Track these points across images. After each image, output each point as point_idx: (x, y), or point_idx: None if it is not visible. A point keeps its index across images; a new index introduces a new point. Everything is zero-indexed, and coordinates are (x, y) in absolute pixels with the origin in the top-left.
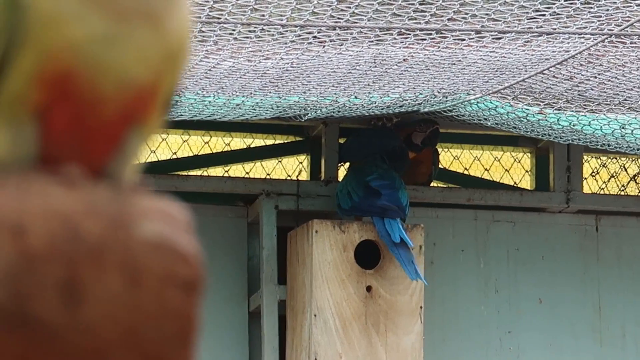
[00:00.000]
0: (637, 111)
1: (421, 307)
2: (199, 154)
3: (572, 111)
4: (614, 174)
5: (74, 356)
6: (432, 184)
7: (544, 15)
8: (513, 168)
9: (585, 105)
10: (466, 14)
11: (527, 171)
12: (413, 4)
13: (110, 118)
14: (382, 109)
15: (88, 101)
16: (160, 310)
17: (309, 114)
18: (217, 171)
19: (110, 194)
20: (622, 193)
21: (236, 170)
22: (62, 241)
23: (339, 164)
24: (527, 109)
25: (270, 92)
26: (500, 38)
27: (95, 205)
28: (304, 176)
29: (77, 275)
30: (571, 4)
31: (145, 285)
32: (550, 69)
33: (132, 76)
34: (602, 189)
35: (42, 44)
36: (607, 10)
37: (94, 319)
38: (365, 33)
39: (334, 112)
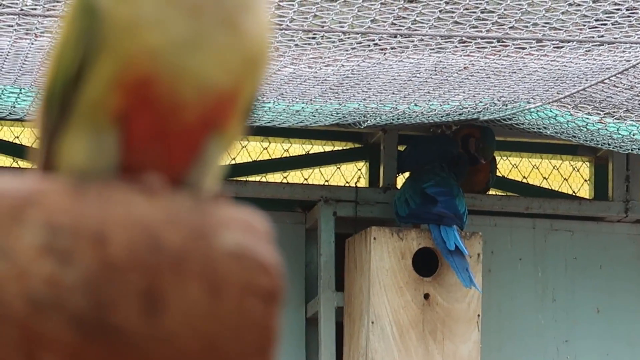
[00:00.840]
0: None
1: (479, 315)
2: (258, 159)
3: (632, 120)
4: None
5: None
6: (490, 192)
7: (605, 24)
8: (572, 177)
9: None
10: (527, 22)
11: (585, 180)
12: (475, 12)
13: (190, 124)
14: (441, 116)
15: (168, 107)
16: (240, 321)
17: (369, 121)
18: (275, 177)
19: (191, 203)
20: None
21: (295, 176)
22: (143, 251)
23: (398, 173)
24: (587, 118)
25: (330, 99)
26: (561, 47)
27: (176, 214)
28: (363, 183)
29: (158, 285)
30: (633, 13)
31: (225, 295)
32: (611, 78)
33: (212, 82)
34: None
35: (120, 50)
36: None
37: (174, 329)
38: (426, 41)
39: (393, 120)
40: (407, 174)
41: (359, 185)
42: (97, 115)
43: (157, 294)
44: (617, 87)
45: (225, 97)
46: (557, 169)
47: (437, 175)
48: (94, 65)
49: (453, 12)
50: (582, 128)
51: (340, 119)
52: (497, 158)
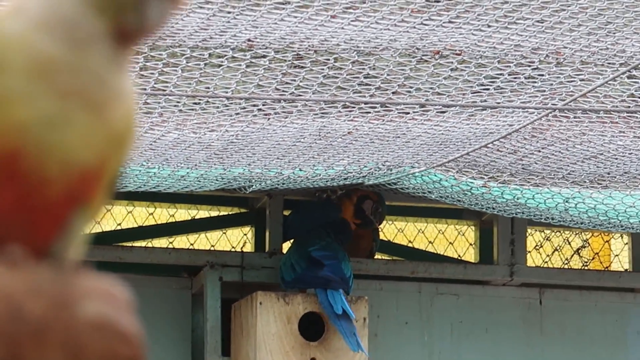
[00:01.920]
0: (581, 185)
1: None
2: (144, 224)
3: (516, 184)
4: (558, 247)
5: None
6: (376, 256)
7: (488, 89)
8: (457, 241)
9: (529, 178)
10: (410, 87)
11: (471, 244)
12: (358, 77)
13: (55, 199)
14: (326, 181)
15: (34, 181)
16: None
17: (254, 186)
18: (161, 242)
19: (53, 274)
20: (566, 266)
21: (181, 241)
22: (5, 321)
23: (284, 240)
24: (471, 182)
25: (215, 164)
26: (444, 112)
27: (38, 285)
28: (249, 248)
29: (19, 355)
30: (515, 78)
31: None
32: (494, 142)
33: (77, 159)
34: (546, 262)
35: None
36: (551, 85)
37: None
38: (309, 106)
39: (278, 184)
40: (292, 240)
41: (244, 250)
42: None
43: None
44: (501, 151)
45: (90, 173)
46: (443, 233)
47: (323, 239)
48: None
49: (336, 77)
50: (466, 192)
51: (225, 184)
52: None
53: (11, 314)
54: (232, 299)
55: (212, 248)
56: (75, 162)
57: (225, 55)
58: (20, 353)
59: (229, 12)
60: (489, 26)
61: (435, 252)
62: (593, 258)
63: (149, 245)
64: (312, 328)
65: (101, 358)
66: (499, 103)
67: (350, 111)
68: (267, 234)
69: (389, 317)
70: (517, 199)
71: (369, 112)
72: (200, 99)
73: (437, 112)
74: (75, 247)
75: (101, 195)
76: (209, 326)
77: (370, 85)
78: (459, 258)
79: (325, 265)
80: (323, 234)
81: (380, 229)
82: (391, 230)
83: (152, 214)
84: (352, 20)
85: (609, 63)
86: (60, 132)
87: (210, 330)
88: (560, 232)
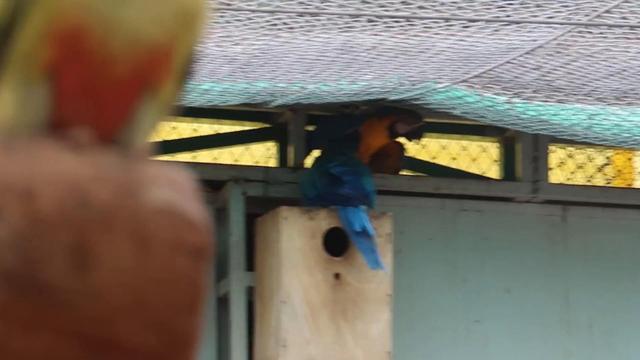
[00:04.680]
0: (605, 102)
1: (389, 295)
2: (167, 139)
3: (540, 101)
4: (581, 165)
5: (82, 321)
6: (399, 173)
7: (512, 4)
8: (480, 157)
9: (552, 95)
10: (435, 1)
11: (494, 161)
12: None
13: (121, 79)
14: (350, 96)
15: (99, 60)
16: (168, 277)
17: (277, 101)
18: (184, 157)
19: (119, 160)
20: (589, 184)
21: (204, 156)
22: (71, 207)
23: (308, 152)
24: (495, 98)
25: (238, 78)
26: (468, 26)
27: (104, 171)
28: (272, 163)
29: (86, 241)
30: None
31: (153, 251)
32: (519, 58)
33: (144, 35)
34: (569, 179)
35: (52, 1)
36: (576, 0)
37: (102, 284)
38: (334, 20)
39: (302, 99)
40: (316, 154)
41: (268, 165)
42: (28, 68)
43: (85, 250)
44: (525, 67)
45: (158, 52)
46: (466, 150)
47: (343, 154)
48: (26, 16)
49: None
50: (489, 108)
51: (248, 98)
52: (405, 141)
53: (77, 200)
54: (256, 213)
55: (235, 162)
56: (142, 39)
57: None
58: (88, 240)
59: None
60: None
61: (458, 168)
62: (616, 175)
63: (172, 159)
64: (336, 243)
65: (168, 245)
66: (523, 18)
67: (375, 25)
68: (291, 149)
69: (413, 233)
70: (541, 115)
71: (393, 27)
72: (224, 12)
73: (462, 26)
74: (144, 137)
75: (172, 81)
76: (233, 241)
77: None
78: (482, 175)
79: (345, 181)
80: (345, 149)
81: (404, 147)
82: (414, 146)
83: (175, 128)
84: None
85: None
86: (125, 7)
87: (234, 245)
88: (583, 149)
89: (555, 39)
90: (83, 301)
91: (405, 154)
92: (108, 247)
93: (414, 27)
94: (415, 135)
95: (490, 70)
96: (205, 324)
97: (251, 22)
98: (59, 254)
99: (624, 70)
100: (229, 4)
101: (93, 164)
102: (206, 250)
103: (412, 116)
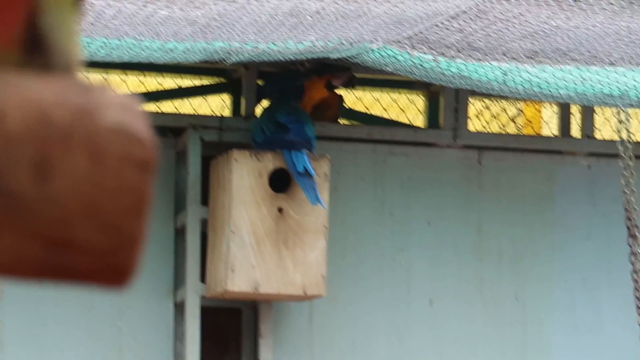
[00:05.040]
0: (518, 60)
1: (325, 227)
2: (135, 92)
3: (461, 59)
4: (496, 115)
5: (42, 224)
6: (338, 121)
7: None
8: (408, 108)
9: (472, 54)
10: None
11: (420, 111)
12: None
13: None
14: (296, 55)
15: None
16: (118, 186)
17: (233, 58)
18: (150, 107)
19: (79, 86)
20: (502, 131)
21: (167, 106)
22: (35, 126)
23: (258, 103)
24: (422, 57)
25: (199, 38)
26: None
27: (66, 96)
28: (227, 113)
29: (48, 155)
30: None
31: (106, 164)
32: (444, 21)
33: None
34: (485, 127)
35: None
36: None
37: (60, 192)
38: None
39: (255, 57)
40: (265, 105)
41: (223, 114)
42: None
43: (47, 162)
44: (449, 29)
45: None
46: (396, 102)
47: (289, 105)
48: None
49: None
50: (418, 66)
51: (208, 56)
52: (343, 94)
53: (41, 120)
54: (211, 156)
55: (194, 112)
56: None
57: None
58: (50, 154)
59: None
60: None
61: (389, 118)
62: (526, 124)
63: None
64: (280, 182)
65: (119, 158)
66: None
67: None
68: (243, 100)
69: (347, 173)
70: (462, 72)
71: None
72: None
73: None
74: (64, 43)
75: None
76: (190, 179)
77: None
78: (410, 124)
79: (290, 129)
80: (290, 100)
81: (342, 99)
82: (351, 98)
83: (142, 82)
84: None
85: None
86: None
87: (191, 182)
88: (498, 101)
89: (477, 5)
90: (44, 206)
91: (344, 106)
92: (67, 160)
93: None
94: (348, 84)
95: (419, 32)
96: (164, 251)
97: None
98: (23, 165)
99: (536, 33)
100: None
101: (57, 89)
102: (151, 163)
103: (343, 70)
